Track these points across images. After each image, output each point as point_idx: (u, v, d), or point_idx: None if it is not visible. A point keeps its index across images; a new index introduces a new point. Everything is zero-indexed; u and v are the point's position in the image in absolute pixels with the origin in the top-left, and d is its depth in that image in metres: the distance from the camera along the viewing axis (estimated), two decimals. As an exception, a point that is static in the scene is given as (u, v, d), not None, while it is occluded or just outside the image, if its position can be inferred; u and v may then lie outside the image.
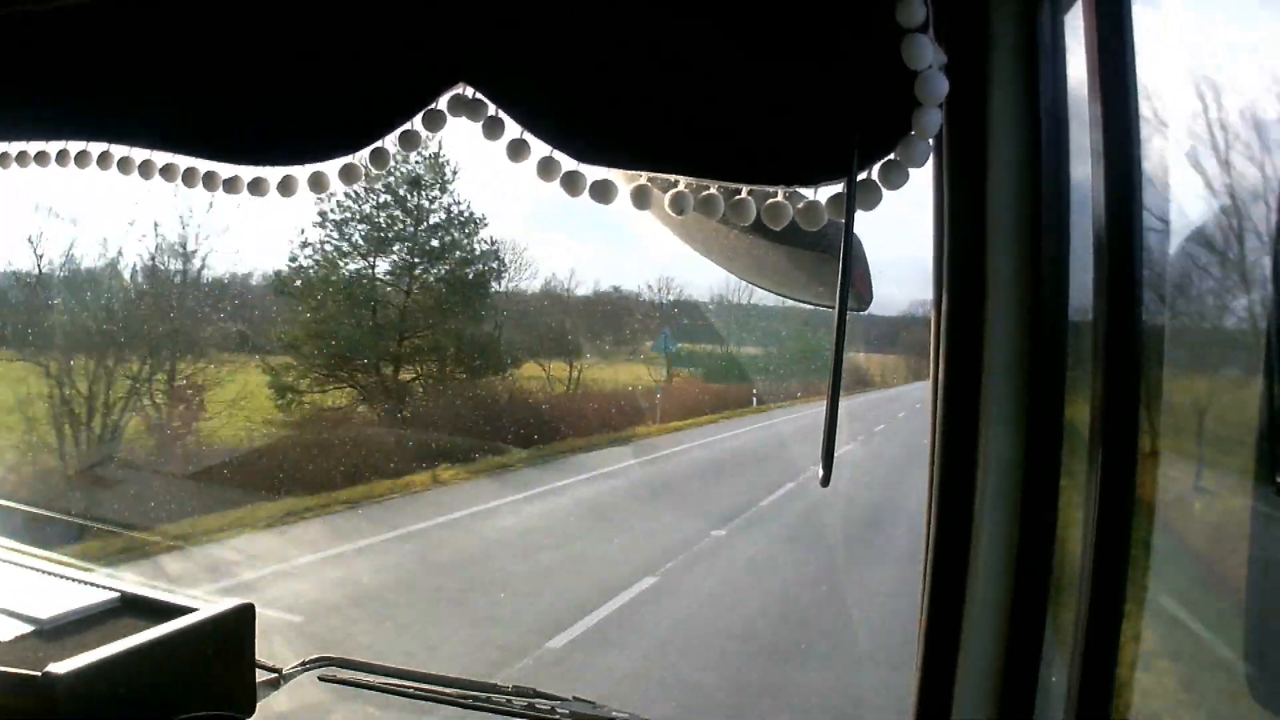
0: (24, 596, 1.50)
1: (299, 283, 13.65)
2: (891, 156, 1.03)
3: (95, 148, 1.32)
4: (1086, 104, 1.10)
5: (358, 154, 1.20)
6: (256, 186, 1.26)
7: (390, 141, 1.19)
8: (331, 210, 13.63)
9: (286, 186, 1.24)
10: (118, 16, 1.29)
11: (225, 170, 1.27)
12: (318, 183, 1.23)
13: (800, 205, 1.07)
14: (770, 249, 1.32)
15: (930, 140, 1.03)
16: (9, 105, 1.37)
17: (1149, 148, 1.09)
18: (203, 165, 1.27)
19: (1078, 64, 1.12)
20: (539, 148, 1.13)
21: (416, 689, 1.58)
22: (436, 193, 14.21)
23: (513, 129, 1.14)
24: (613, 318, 18.04)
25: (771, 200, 1.08)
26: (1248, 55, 1.23)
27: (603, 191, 1.13)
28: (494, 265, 15.02)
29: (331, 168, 1.22)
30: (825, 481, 1.04)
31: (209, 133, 1.27)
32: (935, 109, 1.01)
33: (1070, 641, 1.19)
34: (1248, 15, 1.20)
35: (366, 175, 1.22)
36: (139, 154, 1.30)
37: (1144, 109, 1.08)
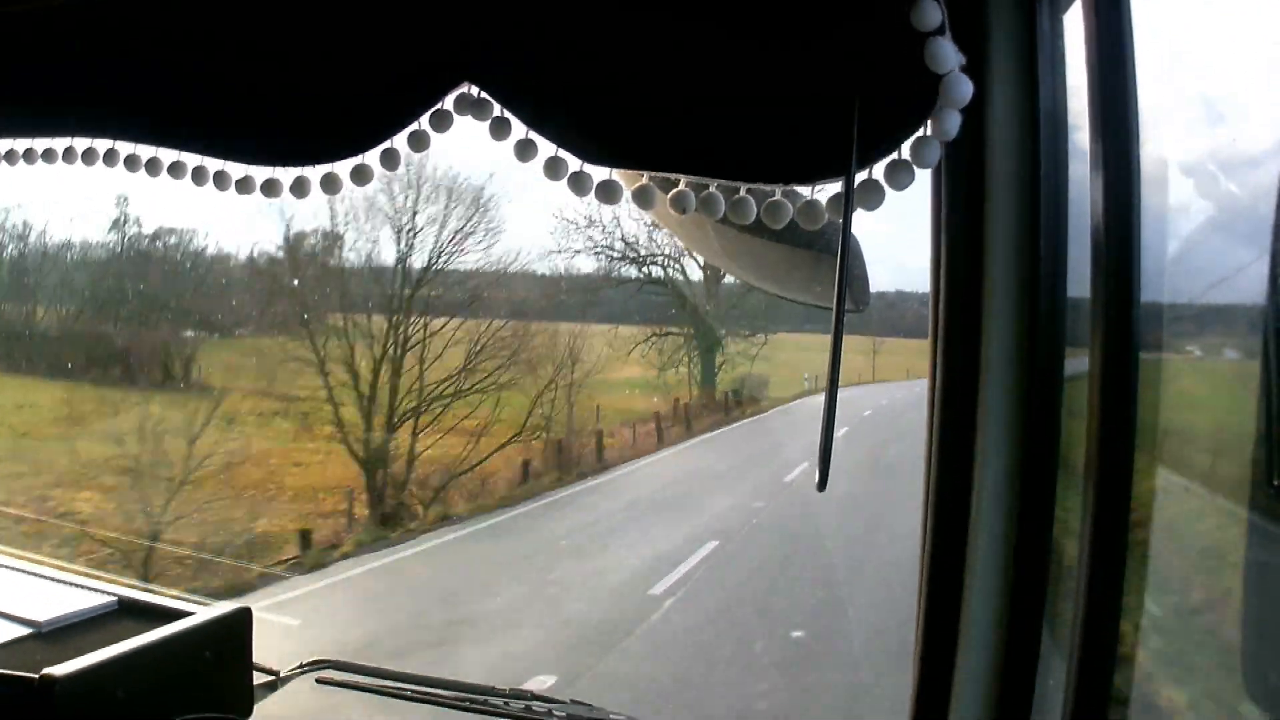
0: (22, 599, 1.49)
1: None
2: (901, 156, 1.03)
3: (101, 144, 1.32)
4: (1085, 103, 1.11)
5: (368, 154, 1.22)
6: (270, 187, 1.26)
7: (400, 141, 1.20)
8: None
9: (300, 187, 1.25)
10: (125, 12, 1.30)
11: (236, 170, 1.27)
12: (330, 183, 1.24)
13: (800, 204, 1.08)
14: (769, 248, 1.33)
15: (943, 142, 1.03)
16: (11, 101, 1.37)
17: (1147, 148, 1.10)
18: (212, 164, 1.28)
19: (1077, 63, 1.13)
20: (546, 148, 1.14)
21: (414, 692, 1.57)
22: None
23: (519, 129, 1.15)
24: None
25: (770, 199, 1.09)
26: (1246, 56, 1.25)
27: (609, 192, 1.13)
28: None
29: (343, 168, 1.23)
30: (821, 485, 1.03)
31: (220, 132, 1.27)
32: (956, 111, 1.00)
33: (1068, 643, 1.20)
34: (1245, 16, 1.22)
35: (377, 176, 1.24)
36: (146, 151, 1.31)
37: (1143, 109, 1.09)
